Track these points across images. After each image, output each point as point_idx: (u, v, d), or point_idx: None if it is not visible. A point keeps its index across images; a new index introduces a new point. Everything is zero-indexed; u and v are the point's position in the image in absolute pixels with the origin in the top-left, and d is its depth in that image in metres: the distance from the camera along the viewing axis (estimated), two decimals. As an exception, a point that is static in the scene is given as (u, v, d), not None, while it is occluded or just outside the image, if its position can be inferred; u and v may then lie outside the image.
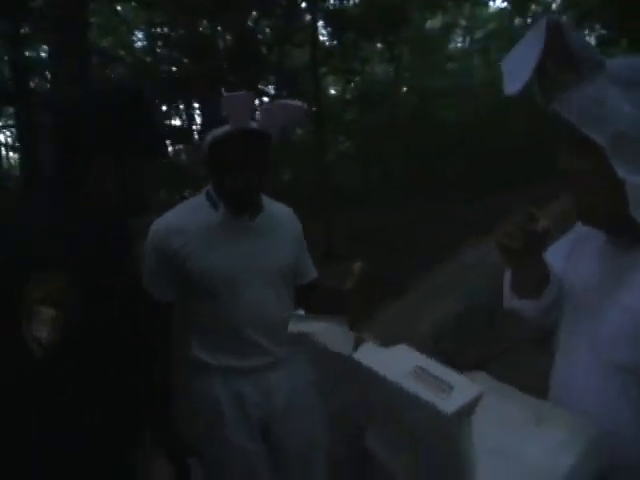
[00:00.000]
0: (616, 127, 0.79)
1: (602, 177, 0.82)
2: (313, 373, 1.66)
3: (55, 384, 0.92)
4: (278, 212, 1.63)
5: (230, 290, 1.47)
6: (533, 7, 20.04)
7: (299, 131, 14.68)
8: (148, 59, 13.57)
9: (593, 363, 0.89)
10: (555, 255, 1.09)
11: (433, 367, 0.74)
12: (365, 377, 0.83)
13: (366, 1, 11.07)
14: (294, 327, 1.00)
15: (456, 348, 4.01)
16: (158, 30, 13.46)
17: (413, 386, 0.71)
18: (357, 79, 13.08)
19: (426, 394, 0.69)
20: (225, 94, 1.36)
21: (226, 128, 1.38)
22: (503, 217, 0.98)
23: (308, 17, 9.37)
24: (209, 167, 1.50)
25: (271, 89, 11.97)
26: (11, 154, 17.82)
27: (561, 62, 0.82)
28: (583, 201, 0.90)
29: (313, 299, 1.62)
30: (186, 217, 1.51)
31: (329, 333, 0.91)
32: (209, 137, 1.43)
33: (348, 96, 15.77)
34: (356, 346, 0.85)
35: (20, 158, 8.34)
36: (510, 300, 1.09)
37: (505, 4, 17.67)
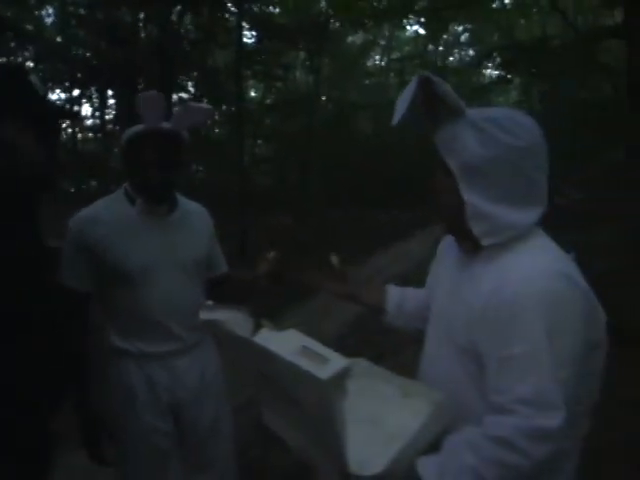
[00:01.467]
0: (463, 157, 1.04)
1: (454, 194, 1.07)
2: (221, 359, 1.81)
3: None
4: (191, 209, 1.77)
5: (145, 279, 1.57)
6: (444, 37, 21.57)
7: (217, 131, 14.57)
8: (58, 39, 12.76)
9: (446, 345, 1.13)
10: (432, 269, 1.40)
11: (316, 346, 0.91)
12: (261, 357, 0.99)
13: (291, 10, 11.32)
14: (204, 315, 1.15)
15: (356, 345, 4.37)
16: (72, 9, 12.71)
17: (297, 360, 0.88)
18: (279, 85, 13.26)
19: (308, 365, 0.86)
20: (140, 94, 1.46)
21: (140, 127, 1.51)
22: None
23: (233, 19, 9.41)
24: (125, 163, 1.61)
25: (190, 86, 11.79)
26: None
27: (437, 106, 1.07)
28: (441, 211, 1.15)
29: (226, 289, 1.77)
30: (105, 211, 1.60)
31: (233, 320, 1.06)
32: (125, 135, 1.54)
33: (268, 101, 15.89)
34: (255, 331, 1.01)
35: None
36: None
37: (421, 30, 18.73)
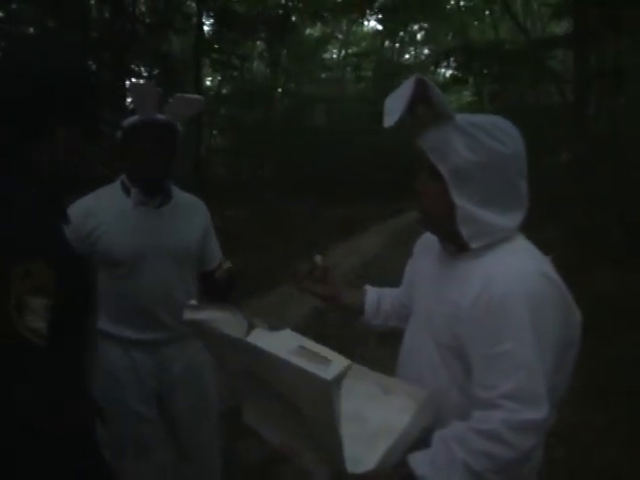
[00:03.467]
0: (455, 163, 1.07)
1: (442, 197, 1.10)
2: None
3: None
4: (187, 201, 1.79)
5: (136, 268, 1.60)
6: (401, 34, 21.91)
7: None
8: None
9: (426, 341, 1.17)
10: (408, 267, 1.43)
11: (313, 346, 0.91)
12: (254, 357, 0.98)
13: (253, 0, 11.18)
14: (188, 315, 1.13)
15: (315, 339, 4.44)
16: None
17: (297, 360, 0.88)
18: (235, 75, 13.08)
19: (310, 366, 0.87)
20: (130, 83, 1.48)
21: (135, 118, 1.53)
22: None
23: (192, 5, 9.17)
24: (122, 154, 1.62)
25: (143, 71, 11.38)
26: None
27: (425, 109, 1.08)
28: (427, 213, 1.17)
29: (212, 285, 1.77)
30: (101, 202, 1.63)
31: (224, 320, 1.05)
32: (121, 126, 1.56)
33: (224, 91, 15.62)
34: (248, 331, 1.00)
35: None
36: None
37: (379, 27, 18.95)
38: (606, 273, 5.61)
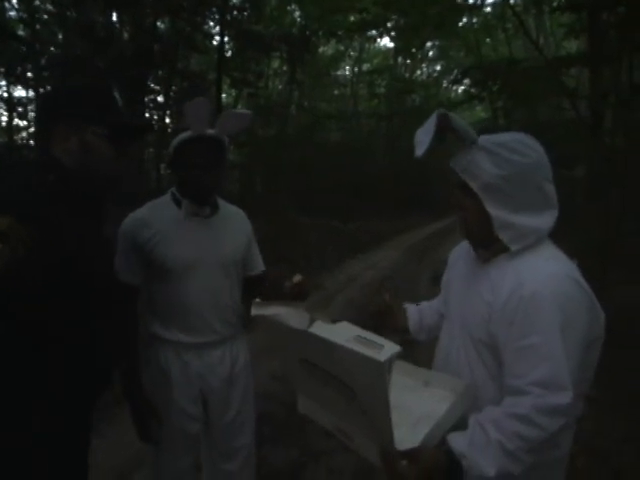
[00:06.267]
0: (484, 179, 1.20)
1: (478, 210, 1.23)
2: (249, 353, 1.92)
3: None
4: (231, 211, 1.89)
5: (187, 276, 1.68)
6: (413, 50, 22.15)
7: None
8: (20, 32, 12.36)
9: (462, 339, 1.29)
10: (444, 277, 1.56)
11: (367, 335, 1.04)
12: (315, 346, 1.10)
13: (268, 18, 11.48)
14: (256, 311, 1.26)
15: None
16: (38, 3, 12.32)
17: (355, 346, 1.00)
18: (251, 91, 13.35)
19: (365, 350, 0.98)
20: (188, 101, 1.55)
21: (188, 133, 1.61)
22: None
23: (211, 24, 9.48)
24: (174, 167, 1.72)
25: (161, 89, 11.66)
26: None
27: (452, 136, 1.23)
28: (466, 225, 1.30)
29: (261, 287, 1.90)
30: (154, 212, 1.72)
31: (289, 314, 1.18)
32: (173, 142, 1.65)
33: (240, 106, 15.91)
34: (310, 323, 1.13)
35: None
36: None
37: (391, 44, 19.20)
38: (623, 285, 5.66)
